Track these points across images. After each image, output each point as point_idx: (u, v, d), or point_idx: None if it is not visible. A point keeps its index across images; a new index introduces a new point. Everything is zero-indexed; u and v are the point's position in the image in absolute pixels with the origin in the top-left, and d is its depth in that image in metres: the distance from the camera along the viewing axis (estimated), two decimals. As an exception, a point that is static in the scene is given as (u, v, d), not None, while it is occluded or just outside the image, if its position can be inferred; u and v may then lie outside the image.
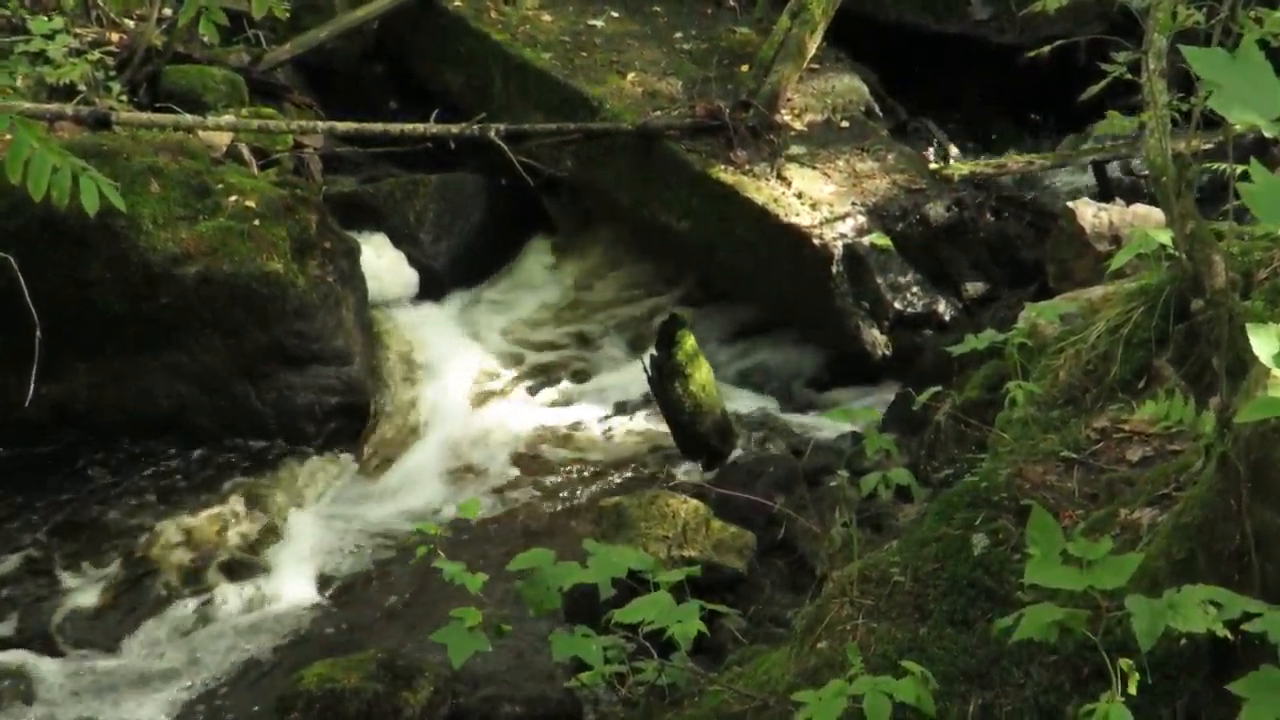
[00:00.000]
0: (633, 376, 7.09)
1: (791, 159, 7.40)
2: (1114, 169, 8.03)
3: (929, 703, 3.12)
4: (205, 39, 7.10)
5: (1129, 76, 4.77)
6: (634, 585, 3.92)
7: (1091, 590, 2.89)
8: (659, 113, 7.58)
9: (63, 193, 3.31)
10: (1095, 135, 7.38)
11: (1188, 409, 3.16)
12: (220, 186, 6.82)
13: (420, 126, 7.49)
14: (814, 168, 7.38)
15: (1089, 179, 8.13)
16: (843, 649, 3.43)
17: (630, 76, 8.03)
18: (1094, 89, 4.82)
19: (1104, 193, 7.68)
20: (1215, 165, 4.55)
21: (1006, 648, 3.17)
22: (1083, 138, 7.83)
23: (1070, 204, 6.68)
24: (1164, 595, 2.74)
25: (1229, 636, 2.70)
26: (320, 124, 7.83)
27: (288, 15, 6.25)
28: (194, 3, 4.59)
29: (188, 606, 5.81)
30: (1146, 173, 6.71)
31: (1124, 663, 2.80)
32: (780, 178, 7.26)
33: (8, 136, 3.41)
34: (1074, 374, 4.29)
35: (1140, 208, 6.53)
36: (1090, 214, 6.48)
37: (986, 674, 3.26)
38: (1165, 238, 4.17)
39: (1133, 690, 2.78)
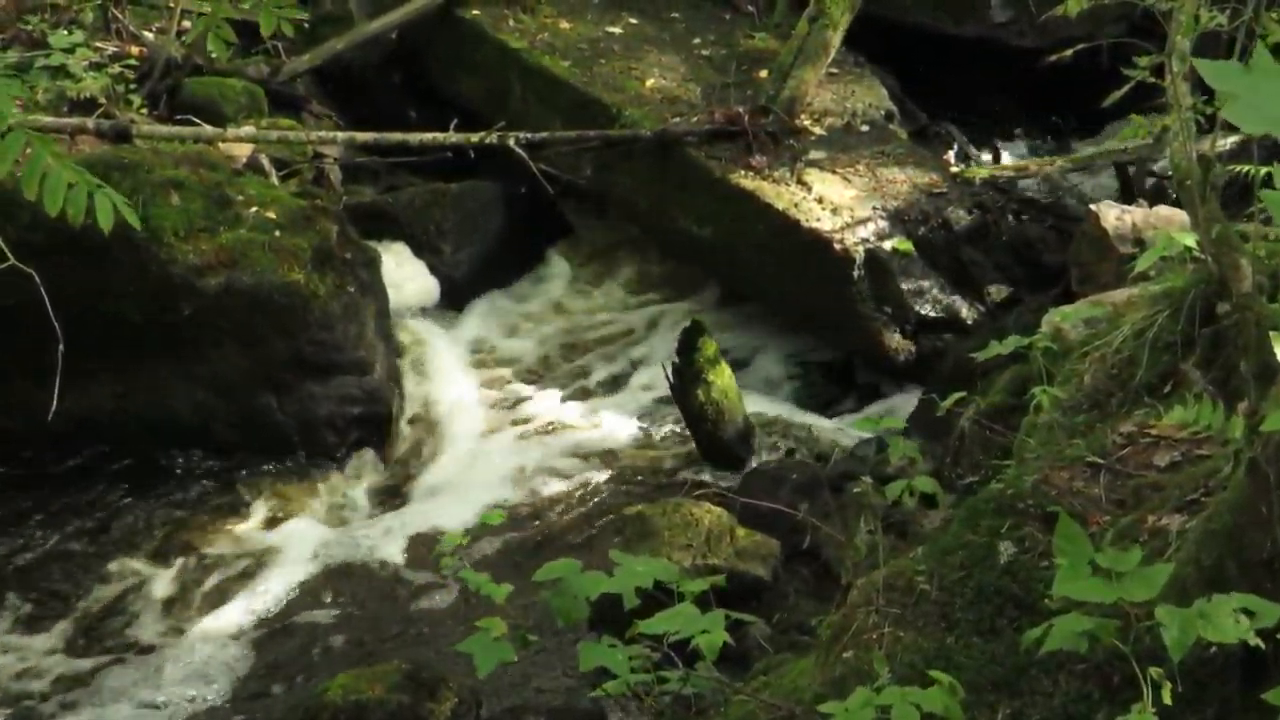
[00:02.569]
0: (654, 383, 7.08)
1: (811, 164, 7.38)
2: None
3: (957, 712, 3.09)
4: (214, 56, 7.12)
5: (1152, 79, 4.75)
6: (658, 595, 3.91)
7: (1121, 601, 2.86)
8: (678, 119, 7.57)
9: (78, 209, 3.32)
10: (1118, 138, 7.33)
11: (1216, 413, 3.13)
12: (241, 198, 6.83)
13: (439, 135, 7.51)
14: (834, 172, 7.35)
15: (1112, 181, 8.09)
16: (869, 658, 3.41)
17: (649, 83, 8.02)
18: (1117, 95, 4.79)
19: (1126, 195, 7.64)
20: (1240, 167, 4.52)
21: (1035, 657, 3.15)
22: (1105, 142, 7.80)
23: (1093, 206, 6.64)
24: (1194, 604, 2.71)
25: (1261, 645, 2.67)
26: (340, 134, 7.85)
27: (296, 31, 6.25)
28: (203, 20, 4.60)
29: (212, 617, 5.81)
30: (1170, 175, 6.67)
31: (1154, 672, 2.78)
32: (800, 182, 7.24)
33: (27, 151, 3.41)
34: (1099, 378, 4.27)
35: (1164, 210, 6.49)
36: (1113, 216, 6.44)
37: (1015, 683, 3.23)
38: (1190, 240, 4.15)
39: (1165, 699, 2.75)
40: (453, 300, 7.90)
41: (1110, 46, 5.79)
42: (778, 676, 3.94)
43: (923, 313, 6.96)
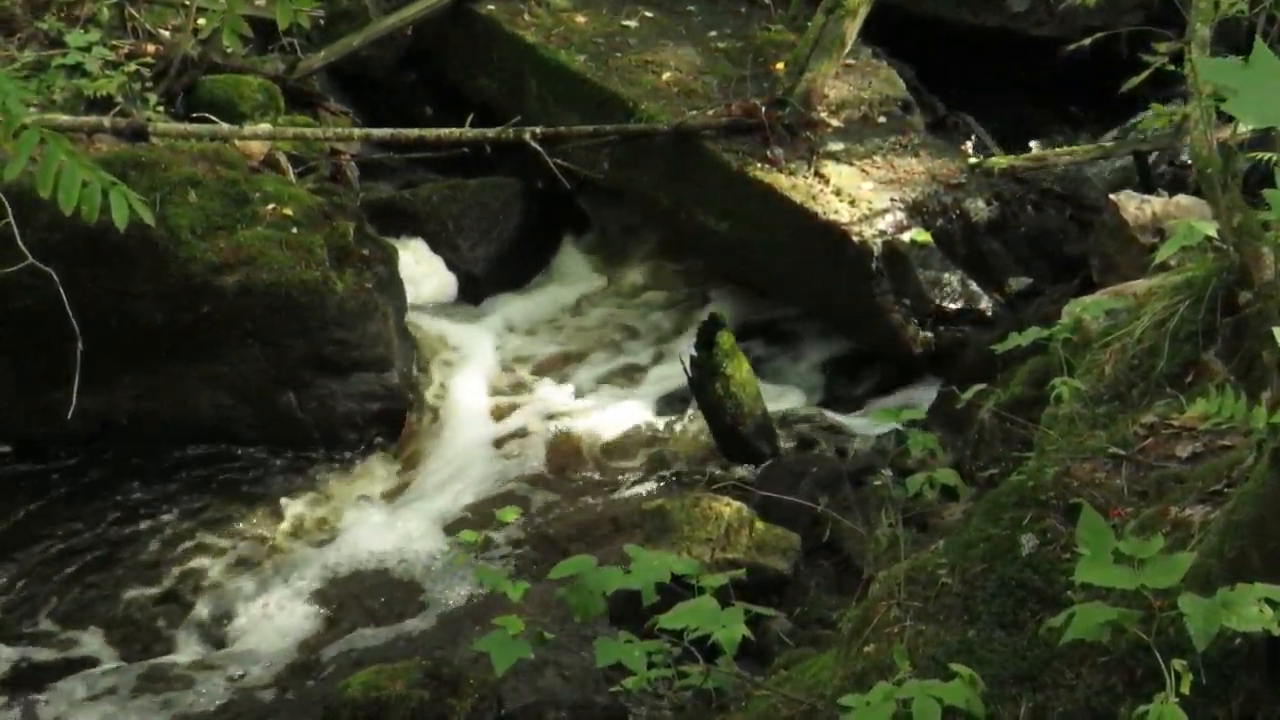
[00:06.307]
0: (673, 378, 7.07)
1: (829, 156, 7.36)
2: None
3: (978, 706, 3.08)
4: (229, 49, 7.11)
5: (1171, 67, 4.72)
6: (677, 589, 3.90)
7: (1143, 590, 2.84)
8: (694, 112, 7.55)
9: (92, 207, 3.31)
10: (1138, 127, 7.29)
11: (1238, 404, 3.11)
12: (258, 195, 6.83)
13: (456, 131, 7.49)
14: (852, 164, 7.33)
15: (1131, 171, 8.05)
16: (890, 652, 3.39)
17: (665, 76, 8.00)
18: (1135, 81, 4.77)
19: (1146, 184, 7.60)
20: (1261, 155, 4.50)
21: (1057, 649, 3.13)
22: (1125, 130, 7.75)
23: (1113, 196, 6.61)
24: (1217, 594, 2.70)
25: (1285, 636, 2.65)
26: (356, 130, 7.85)
27: (312, 28, 6.24)
28: (214, 15, 4.60)
29: (231, 615, 5.83)
30: (1190, 164, 6.63)
31: (1177, 663, 2.76)
32: (818, 175, 7.21)
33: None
34: (1120, 369, 4.24)
35: (1184, 199, 6.46)
36: (1133, 206, 6.41)
37: (1037, 676, 3.21)
38: (1210, 229, 4.12)
39: (1185, 690, 2.73)
40: (471, 296, 7.90)
41: (1129, 35, 5.76)
42: (799, 671, 3.93)
43: (942, 305, 6.93)
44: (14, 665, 5.56)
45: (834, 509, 5.49)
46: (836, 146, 7.44)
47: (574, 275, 8.20)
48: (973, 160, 7.54)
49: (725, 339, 6.40)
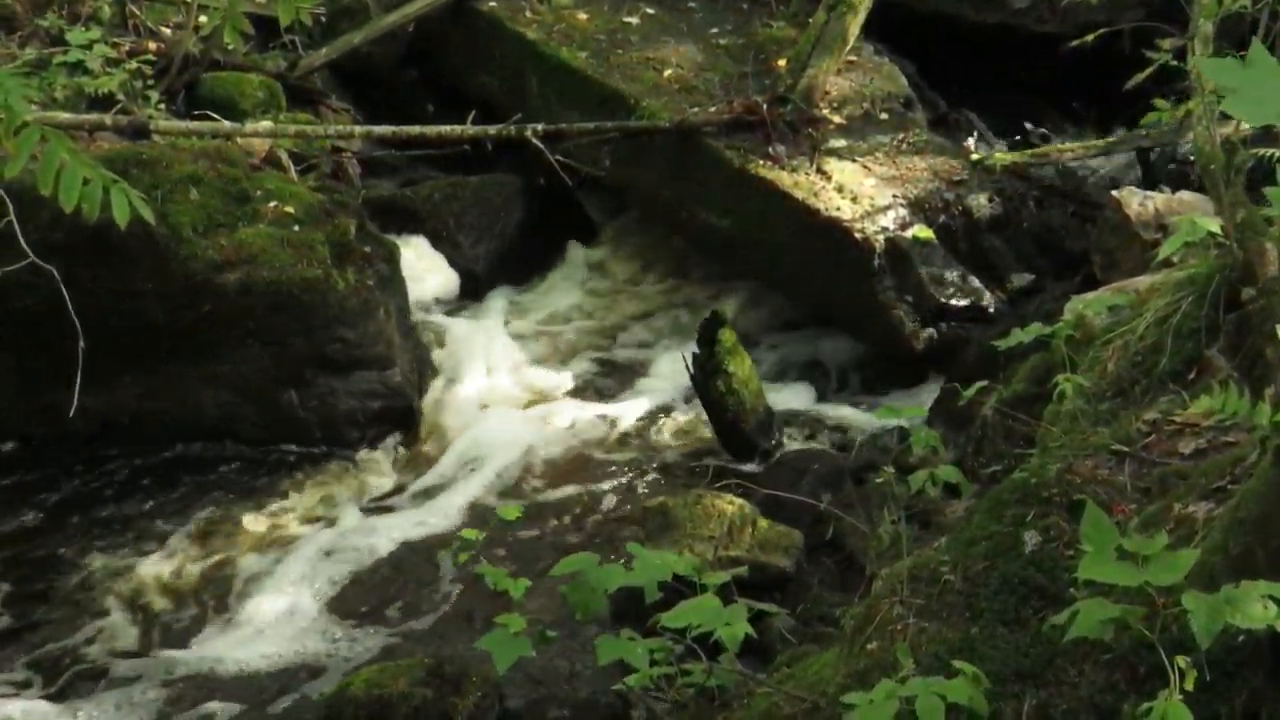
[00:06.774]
0: (675, 375, 7.06)
1: (831, 153, 7.35)
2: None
3: (982, 703, 3.08)
4: (230, 46, 7.11)
5: (1175, 63, 4.71)
6: (680, 587, 3.90)
7: (1147, 587, 2.84)
8: (696, 110, 7.55)
9: (93, 205, 3.31)
10: (1140, 123, 7.28)
11: (1242, 401, 3.10)
12: (259, 193, 6.82)
13: (458, 129, 7.48)
14: (854, 161, 7.32)
15: (1134, 167, 8.04)
16: (893, 649, 3.39)
17: (666, 73, 8.00)
18: (1139, 78, 4.76)
19: (1149, 180, 7.59)
20: (1264, 151, 4.49)
21: (1061, 647, 3.13)
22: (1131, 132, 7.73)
23: (1115, 192, 6.60)
24: (1221, 591, 2.69)
25: (1289, 633, 2.65)
26: (358, 128, 7.85)
27: (311, 23, 6.22)
28: (217, 13, 4.60)
29: (233, 613, 5.82)
30: (1193, 159, 6.62)
31: (1181, 660, 2.75)
32: (820, 172, 7.21)
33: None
34: (1123, 366, 4.24)
35: (1186, 195, 6.45)
36: (1136, 202, 6.40)
37: (1040, 674, 3.21)
38: (1213, 225, 4.11)
39: (1189, 687, 2.73)
40: (472, 293, 7.90)
41: (1131, 31, 5.75)
42: (801, 668, 3.93)
43: (944, 301, 6.92)
44: (16, 662, 5.56)
45: (836, 506, 5.49)
46: (838, 143, 7.43)
47: (575, 272, 8.20)
48: (975, 157, 7.53)
49: (727, 336, 6.39)
